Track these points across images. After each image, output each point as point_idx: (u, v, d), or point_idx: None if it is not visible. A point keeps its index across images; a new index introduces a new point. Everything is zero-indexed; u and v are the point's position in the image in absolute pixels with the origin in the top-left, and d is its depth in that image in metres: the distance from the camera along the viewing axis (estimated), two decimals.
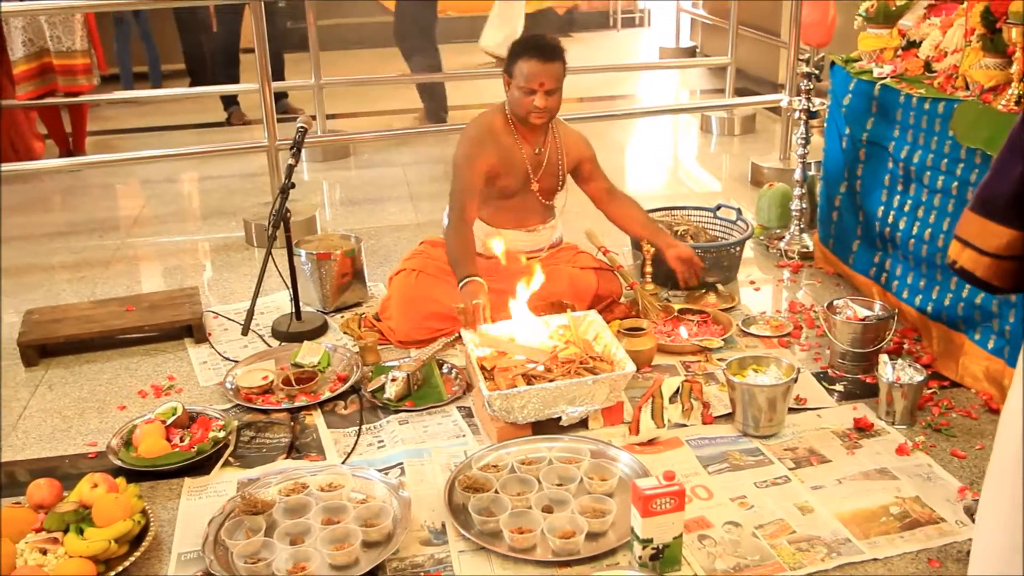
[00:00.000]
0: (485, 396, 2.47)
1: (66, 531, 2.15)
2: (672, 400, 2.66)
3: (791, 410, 2.62)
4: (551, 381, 2.52)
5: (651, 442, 2.54)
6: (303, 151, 5.13)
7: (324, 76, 5.55)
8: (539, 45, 3.01)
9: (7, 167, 5.00)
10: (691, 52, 8.08)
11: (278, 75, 6.44)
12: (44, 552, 2.10)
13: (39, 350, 3.14)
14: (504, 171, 3.15)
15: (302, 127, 3.26)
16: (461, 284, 2.95)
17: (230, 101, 6.49)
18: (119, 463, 2.48)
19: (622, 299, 3.28)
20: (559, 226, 3.36)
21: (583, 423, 2.59)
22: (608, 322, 2.90)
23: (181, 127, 6.38)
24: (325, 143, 5.48)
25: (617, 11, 10.05)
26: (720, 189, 4.96)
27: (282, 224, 3.11)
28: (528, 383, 2.54)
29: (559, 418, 2.54)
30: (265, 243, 3.05)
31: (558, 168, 3.22)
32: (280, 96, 6.55)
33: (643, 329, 2.93)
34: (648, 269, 3.32)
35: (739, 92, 6.27)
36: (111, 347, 3.20)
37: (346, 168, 5.50)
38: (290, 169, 3.14)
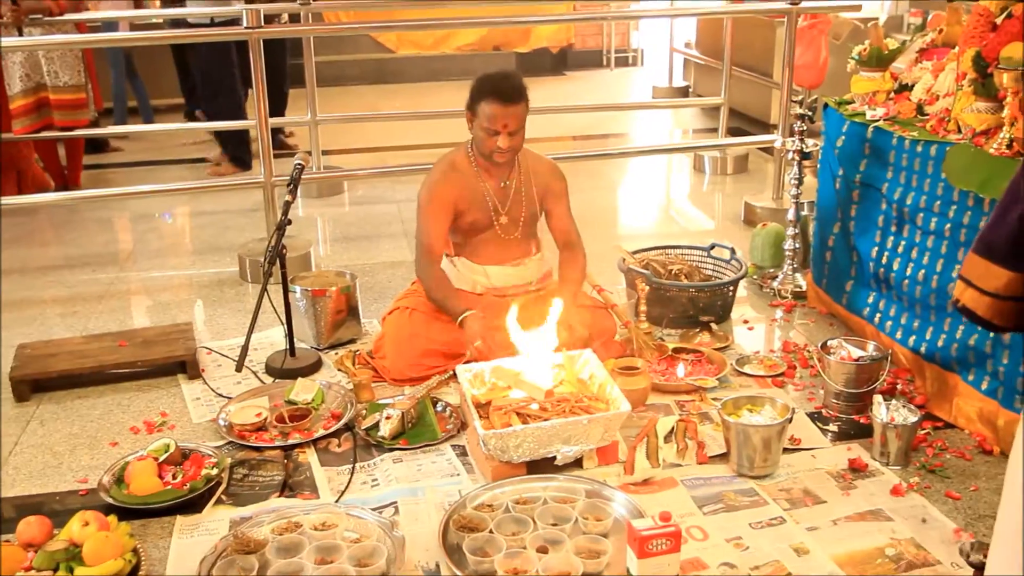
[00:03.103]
0: (480, 435, 2.46)
1: (56, 569, 2.13)
2: (667, 440, 2.65)
3: (786, 450, 2.62)
4: (546, 420, 2.52)
5: (646, 482, 2.53)
6: (300, 188, 5.15)
7: (320, 112, 5.58)
8: (501, 88, 3.01)
9: (5, 201, 5.03)
10: (684, 92, 8.16)
11: (279, 110, 6.49)
12: None
13: (31, 385, 3.12)
14: (467, 207, 3.18)
15: (299, 164, 3.28)
16: (459, 320, 2.97)
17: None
18: (110, 500, 2.46)
19: (616, 338, 3.28)
20: (546, 258, 3.35)
21: (578, 462, 2.58)
22: (602, 361, 2.90)
23: (176, 162, 6.39)
24: (320, 179, 5.50)
25: (611, 51, 10.16)
26: (713, 228, 4.99)
27: (278, 260, 3.11)
28: (523, 422, 2.54)
29: (554, 457, 2.53)
30: (260, 279, 3.06)
31: (526, 199, 3.23)
32: (279, 131, 6.59)
33: (637, 368, 2.93)
34: (643, 308, 3.33)
35: (732, 132, 6.32)
36: (104, 382, 3.19)
37: (341, 204, 5.52)
38: (287, 206, 3.15)
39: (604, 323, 3.25)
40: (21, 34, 4.82)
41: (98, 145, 6.50)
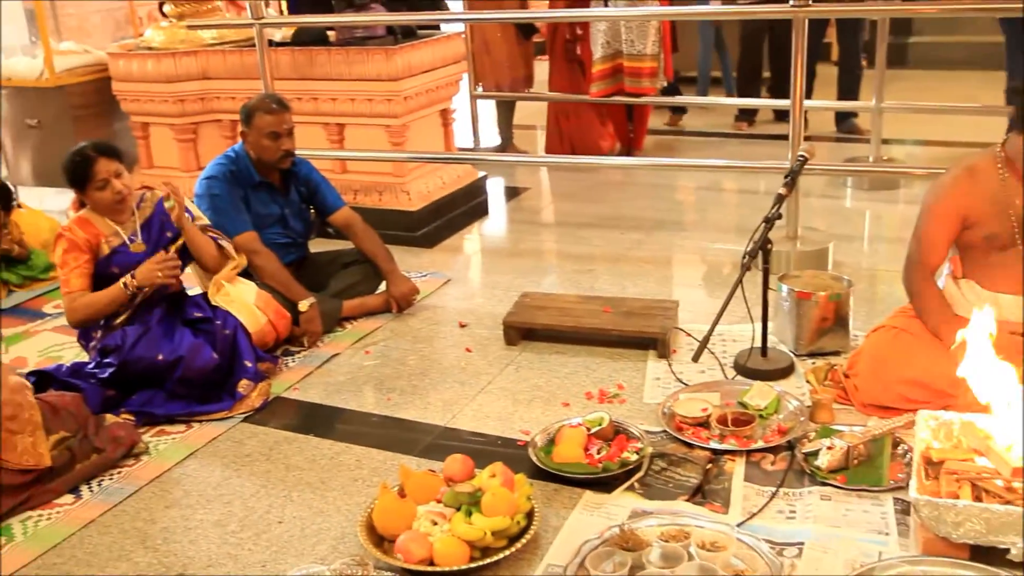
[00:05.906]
0: (912, 497, 2.09)
1: (459, 509, 2.29)
2: None
3: None
4: (1003, 504, 2.05)
5: None
6: (849, 179, 4.87)
7: (889, 99, 5.13)
8: None
9: (571, 159, 5.51)
10: None
11: (850, 93, 6.16)
12: (435, 523, 2.26)
13: (520, 332, 3.39)
14: (984, 218, 2.67)
15: (802, 156, 3.06)
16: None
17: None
18: (533, 459, 2.57)
19: None
20: None
21: None
22: None
23: (742, 136, 6.39)
24: (871, 173, 5.09)
25: None
26: None
27: (760, 254, 2.95)
28: (975, 497, 2.10)
29: (1007, 550, 2.06)
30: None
31: None
32: (849, 115, 6.25)
33: None
34: None
35: None
36: (580, 343, 3.33)
37: (893, 201, 5.04)
38: (779, 199, 2.96)
39: None
40: (607, 4, 5.16)
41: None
